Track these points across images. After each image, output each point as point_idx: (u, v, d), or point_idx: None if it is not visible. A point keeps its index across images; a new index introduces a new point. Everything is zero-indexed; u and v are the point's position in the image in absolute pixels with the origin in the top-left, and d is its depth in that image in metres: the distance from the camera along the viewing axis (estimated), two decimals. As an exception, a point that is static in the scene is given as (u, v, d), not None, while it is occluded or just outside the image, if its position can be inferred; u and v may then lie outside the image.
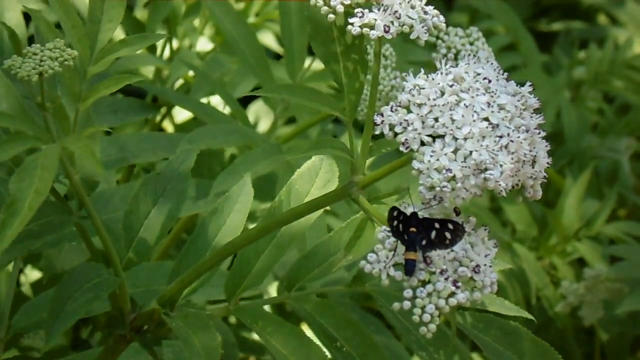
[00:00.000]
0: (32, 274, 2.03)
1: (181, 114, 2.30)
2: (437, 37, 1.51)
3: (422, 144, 0.99)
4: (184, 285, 1.19)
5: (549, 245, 2.27)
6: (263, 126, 2.47)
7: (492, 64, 1.04)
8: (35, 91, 1.09)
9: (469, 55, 1.02)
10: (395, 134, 0.99)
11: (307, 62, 1.86)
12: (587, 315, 2.18)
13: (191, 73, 2.05)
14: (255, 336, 2.03)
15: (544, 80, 2.60)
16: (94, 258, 1.21)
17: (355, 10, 1.06)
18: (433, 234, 1.00)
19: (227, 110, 1.98)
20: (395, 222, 1.00)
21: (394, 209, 1.01)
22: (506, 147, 0.98)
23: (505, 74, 1.04)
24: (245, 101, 2.37)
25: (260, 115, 2.55)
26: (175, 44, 2.18)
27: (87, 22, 1.14)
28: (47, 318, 1.11)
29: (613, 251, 2.21)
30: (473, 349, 2.00)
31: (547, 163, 1.03)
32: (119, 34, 2.00)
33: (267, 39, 2.47)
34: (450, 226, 1.01)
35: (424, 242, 1.00)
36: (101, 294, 1.14)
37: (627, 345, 2.27)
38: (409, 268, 0.99)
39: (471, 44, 1.53)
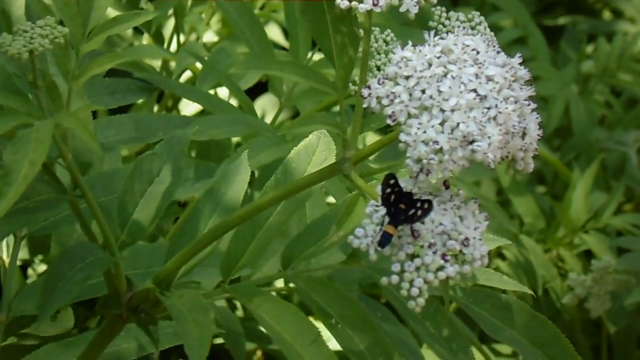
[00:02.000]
0: (41, 268, 2.04)
1: (188, 107, 2.31)
2: (439, 22, 1.50)
3: (409, 116, 0.98)
4: (179, 264, 1.19)
5: (556, 237, 2.27)
6: (269, 120, 2.48)
7: (486, 39, 1.04)
8: (26, 69, 1.09)
9: (459, 27, 1.02)
10: (382, 107, 0.99)
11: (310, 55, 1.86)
12: (594, 307, 2.17)
13: (199, 65, 2.06)
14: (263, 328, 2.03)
15: (553, 74, 2.60)
16: (89, 238, 1.21)
17: (344, -16, 1.06)
18: (411, 210, 1.00)
19: (234, 102, 1.98)
20: (388, 190, 1.00)
21: (390, 176, 1.00)
22: (494, 118, 0.97)
23: (497, 46, 1.03)
24: (253, 95, 2.37)
25: (267, 109, 2.56)
26: (182, 38, 2.19)
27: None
28: (40, 297, 1.11)
29: (620, 243, 2.20)
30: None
31: (538, 135, 1.02)
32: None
33: (274, 33, 2.47)
34: (425, 205, 0.99)
35: (402, 217, 1.00)
36: (96, 273, 1.14)
37: (635, 338, 2.26)
38: (383, 240, 0.98)
39: (472, 28, 1.53)
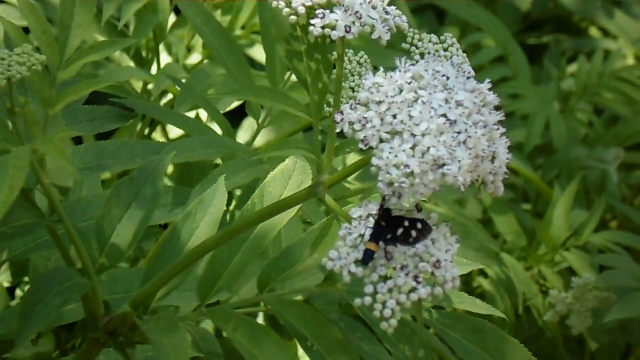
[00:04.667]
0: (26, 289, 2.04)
1: (174, 130, 2.31)
2: (411, 44, 1.52)
3: (381, 141, 1.00)
4: (156, 288, 1.20)
5: (537, 255, 2.28)
6: (259, 141, 2.49)
7: (456, 65, 1.06)
8: (4, 97, 1.10)
9: (431, 54, 1.04)
10: (355, 132, 1.01)
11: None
12: (575, 324, 2.18)
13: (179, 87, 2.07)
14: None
15: (534, 92, 2.62)
16: (67, 263, 1.22)
17: (317, 12, 1.07)
18: (400, 230, 1.01)
19: (214, 124, 1.99)
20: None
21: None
22: (464, 142, 0.99)
23: (468, 72, 1.05)
24: (238, 117, 2.38)
25: (255, 130, 2.56)
26: (169, 60, 2.19)
27: (58, 27, 1.16)
28: (18, 322, 1.12)
29: (601, 260, 2.21)
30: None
31: (507, 159, 1.03)
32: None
33: (258, 54, 2.48)
34: (419, 225, 1.02)
35: (389, 237, 1.01)
36: (72, 298, 1.15)
37: (618, 355, 2.28)
38: (366, 257, 1.00)
39: (445, 50, 1.54)
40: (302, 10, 1.08)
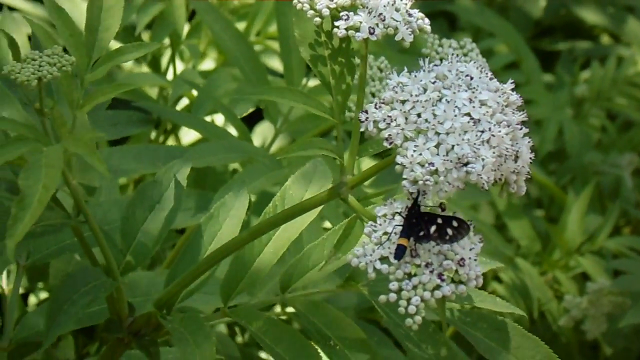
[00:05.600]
0: (42, 295, 2.05)
1: (188, 135, 2.33)
2: (432, 49, 1.54)
3: (406, 139, 1.01)
4: (180, 288, 1.21)
5: (552, 260, 2.29)
6: (274, 147, 2.50)
7: (479, 64, 1.07)
8: (33, 97, 1.12)
9: (453, 54, 1.05)
10: (379, 130, 1.02)
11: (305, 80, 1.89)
12: (590, 329, 2.18)
13: (195, 92, 2.08)
14: (263, 354, 2.05)
15: (547, 97, 2.62)
16: (92, 263, 1.23)
17: (341, 13, 1.08)
18: (433, 227, 1.02)
19: (231, 128, 2.00)
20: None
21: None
22: (488, 141, 1.00)
23: (490, 73, 1.06)
24: (251, 122, 2.39)
25: (267, 136, 2.57)
26: (181, 66, 2.21)
27: (85, 30, 1.17)
28: (45, 322, 1.13)
29: (616, 265, 2.22)
30: None
31: (530, 158, 1.04)
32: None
33: (272, 61, 2.50)
34: (455, 223, 1.03)
35: (421, 233, 1.02)
36: (99, 297, 1.16)
37: (633, 359, 2.28)
38: (398, 252, 1.01)
39: (465, 55, 1.56)
40: (326, 11, 1.09)
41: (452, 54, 1.05)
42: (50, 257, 1.35)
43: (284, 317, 1.82)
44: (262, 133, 2.57)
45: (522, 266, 2.21)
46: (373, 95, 1.51)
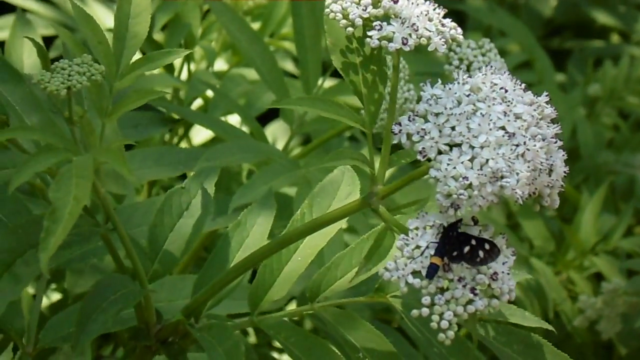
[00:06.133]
0: (53, 296, 2.05)
1: (199, 135, 2.33)
2: (450, 49, 1.53)
3: (439, 152, 1.01)
4: (208, 296, 1.22)
5: (566, 260, 2.29)
6: (280, 146, 2.50)
7: (506, 73, 1.07)
8: (62, 106, 1.11)
9: (486, 66, 1.05)
10: (413, 143, 1.02)
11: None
12: (605, 329, 2.18)
13: (209, 93, 2.08)
14: (275, 354, 2.05)
15: (559, 97, 2.62)
16: (119, 270, 1.23)
17: (374, 23, 1.08)
18: (466, 248, 1.02)
19: (245, 128, 2.00)
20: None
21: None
22: (522, 155, 1.00)
23: (523, 84, 1.06)
24: (262, 122, 2.39)
25: (278, 136, 2.58)
26: (192, 67, 2.21)
27: (113, 38, 1.17)
28: (75, 329, 1.13)
29: (630, 265, 2.22)
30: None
31: (564, 172, 1.04)
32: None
33: (284, 63, 2.50)
34: (487, 246, 1.03)
35: (454, 253, 1.02)
36: (128, 305, 1.16)
37: (646, 360, 2.28)
38: (430, 271, 1.01)
39: (483, 55, 1.56)
40: (359, 21, 1.09)
41: (487, 66, 1.04)
42: (74, 262, 1.35)
43: (296, 319, 1.83)
44: (273, 132, 2.58)
45: (536, 266, 2.21)
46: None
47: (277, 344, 2.08)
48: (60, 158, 1.06)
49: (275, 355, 2.07)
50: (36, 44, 1.14)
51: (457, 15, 3.11)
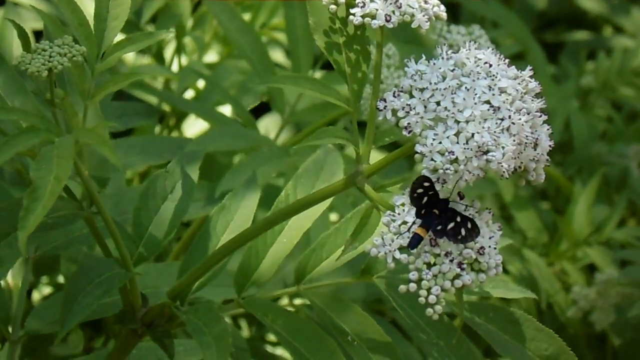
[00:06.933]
0: (45, 290, 2.04)
1: (191, 129, 2.32)
2: (439, 35, 1.53)
3: (425, 127, 1.00)
4: (193, 279, 1.21)
5: (559, 251, 2.28)
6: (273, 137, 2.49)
7: (490, 48, 1.06)
8: (44, 87, 1.10)
9: (470, 42, 1.04)
10: (398, 119, 1.01)
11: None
12: (598, 320, 2.18)
13: (200, 83, 2.07)
14: (268, 347, 2.04)
15: (553, 89, 2.61)
16: (104, 254, 1.22)
17: (357, 1, 1.07)
18: (451, 224, 1.02)
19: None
20: (420, 191, 1.01)
21: (425, 178, 1.01)
22: (507, 129, 0.99)
23: (506, 59, 1.05)
24: (255, 115, 2.39)
25: (270, 129, 2.57)
26: (184, 60, 2.20)
27: (94, 19, 1.16)
28: (60, 312, 1.13)
29: (624, 256, 2.21)
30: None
31: (550, 146, 1.04)
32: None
33: (275, 54, 2.49)
34: (469, 225, 1.02)
35: (439, 227, 1.01)
36: (113, 287, 1.15)
37: (640, 351, 2.27)
38: (413, 241, 1.00)
39: (473, 41, 1.55)
40: (342, -1, 1.08)
41: (470, 42, 1.04)
42: (59, 249, 1.34)
43: (292, 309, 1.82)
44: (265, 126, 2.57)
45: (529, 257, 2.20)
46: (381, 82, 1.50)
47: (271, 338, 2.07)
48: (42, 138, 1.05)
49: (269, 348, 2.06)
50: (17, 25, 1.13)
51: (450, 7, 3.10)
